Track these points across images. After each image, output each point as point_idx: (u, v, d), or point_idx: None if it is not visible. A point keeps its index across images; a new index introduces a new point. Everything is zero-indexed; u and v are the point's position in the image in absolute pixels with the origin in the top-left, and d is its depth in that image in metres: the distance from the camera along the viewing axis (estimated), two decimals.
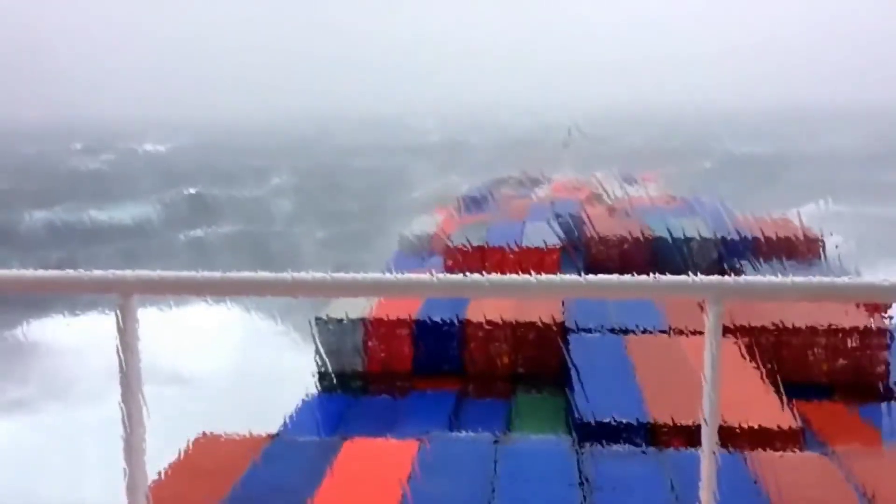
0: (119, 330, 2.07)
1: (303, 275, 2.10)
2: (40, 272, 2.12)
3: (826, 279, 1.97)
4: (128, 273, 2.09)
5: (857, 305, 11.95)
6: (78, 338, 20.01)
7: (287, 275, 2.10)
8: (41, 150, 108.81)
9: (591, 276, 2.01)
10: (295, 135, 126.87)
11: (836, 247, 17.84)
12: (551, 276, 2.03)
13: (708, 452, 2.03)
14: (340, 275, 2.32)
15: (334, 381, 13.17)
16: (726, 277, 1.99)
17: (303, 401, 12.56)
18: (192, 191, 65.16)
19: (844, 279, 2.01)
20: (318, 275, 2.12)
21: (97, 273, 2.10)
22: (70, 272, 2.11)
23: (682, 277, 1.97)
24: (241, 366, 20.79)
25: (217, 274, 2.09)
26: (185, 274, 2.10)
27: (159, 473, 8.35)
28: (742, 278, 2.00)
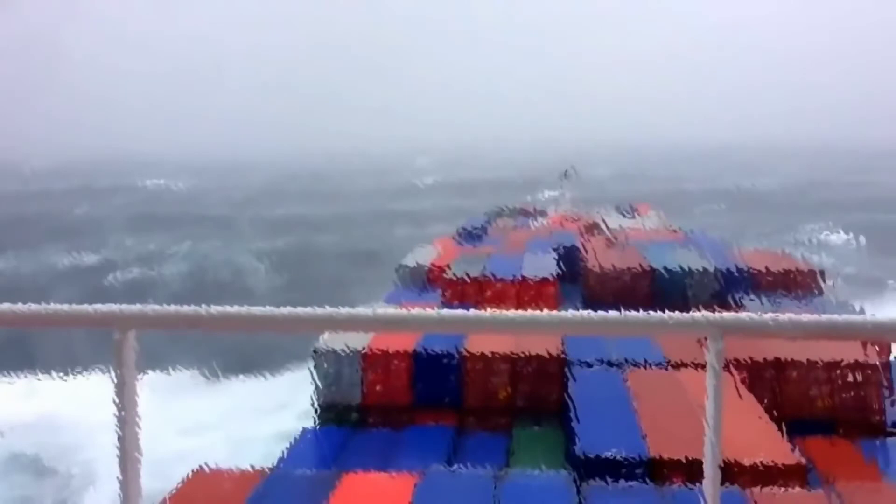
0: (116, 367, 1.99)
1: (301, 310, 2.06)
2: (35, 306, 2.04)
3: (828, 317, 1.95)
4: (125, 307, 2.01)
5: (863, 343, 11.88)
6: None
7: (285, 310, 2.05)
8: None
9: (590, 313, 1.99)
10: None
11: (832, 283, 17.83)
12: (551, 313, 2.01)
13: (710, 490, 2.00)
14: (338, 310, 2.28)
15: (332, 413, 13.04)
16: (727, 314, 1.98)
17: (300, 434, 12.43)
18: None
19: (847, 316, 1.99)
20: (317, 310, 2.07)
21: (94, 307, 2.02)
22: (66, 306, 2.02)
23: (683, 314, 1.95)
24: None
25: (215, 308, 2.03)
26: (183, 308, 2.04)
27: None
28: (743, 314, 1.98)
